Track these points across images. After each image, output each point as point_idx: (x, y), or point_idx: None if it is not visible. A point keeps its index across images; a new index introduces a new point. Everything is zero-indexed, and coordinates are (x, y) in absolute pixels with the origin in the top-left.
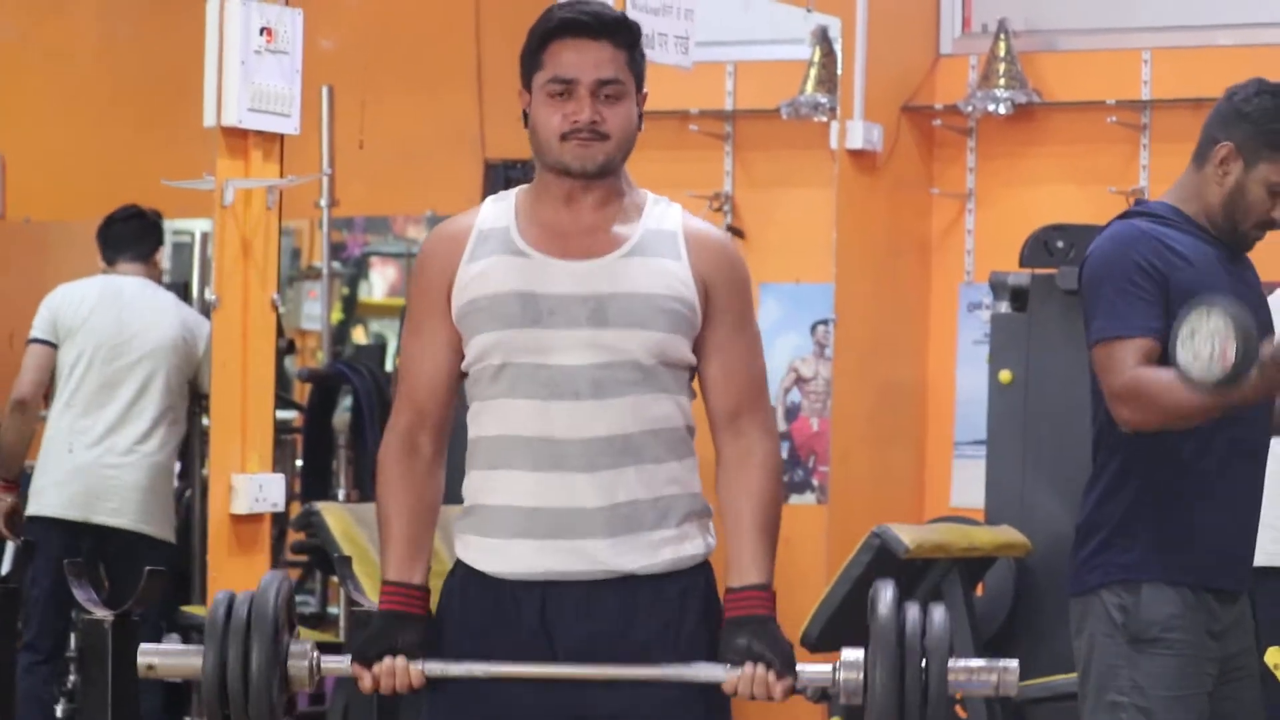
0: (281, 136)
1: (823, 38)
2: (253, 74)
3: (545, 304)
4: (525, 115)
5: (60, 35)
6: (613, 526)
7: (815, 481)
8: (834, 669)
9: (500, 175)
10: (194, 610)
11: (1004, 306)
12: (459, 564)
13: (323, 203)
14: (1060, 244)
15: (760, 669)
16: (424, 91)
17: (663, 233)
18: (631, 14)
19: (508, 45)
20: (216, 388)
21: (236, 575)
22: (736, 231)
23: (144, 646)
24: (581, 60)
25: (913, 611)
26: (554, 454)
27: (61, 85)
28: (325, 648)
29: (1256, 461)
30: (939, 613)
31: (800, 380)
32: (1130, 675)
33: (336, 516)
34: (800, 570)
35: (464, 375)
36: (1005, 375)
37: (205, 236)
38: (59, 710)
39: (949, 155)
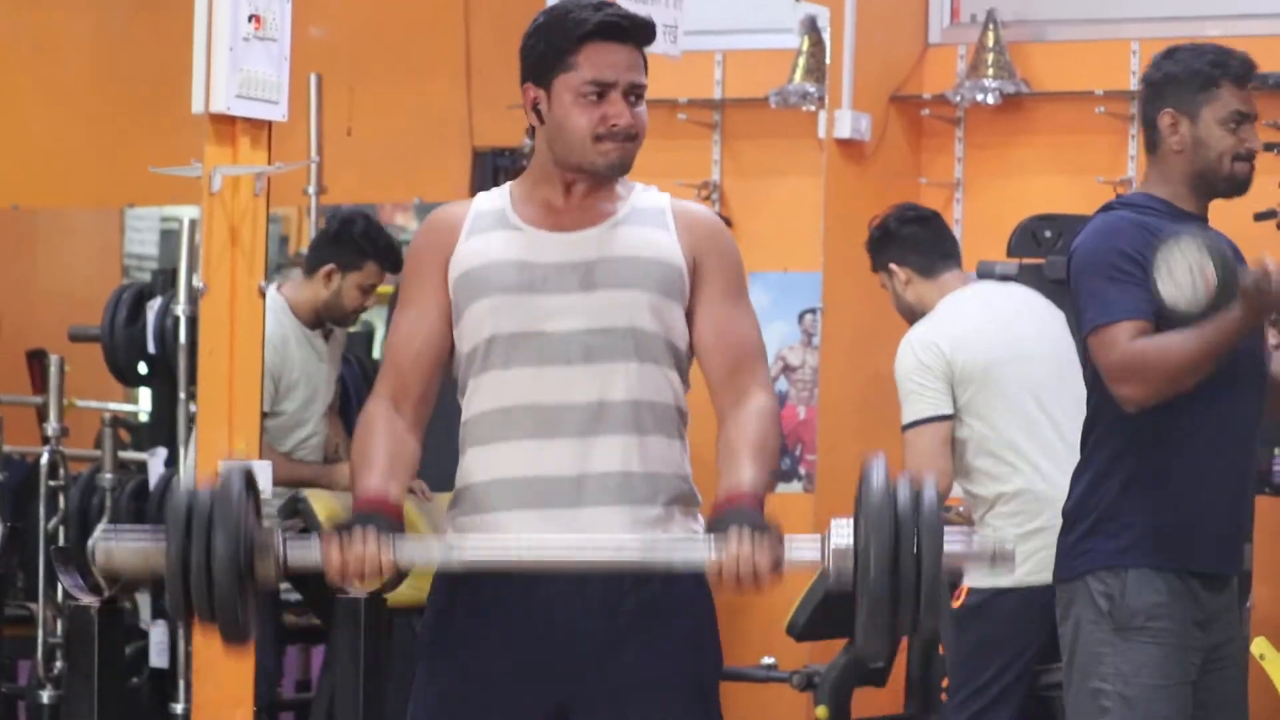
0: (270, 123)
1: (811, 27)
2: (241, 61)
3: (539, 271)
4: (537, 112)
5: (49, 23)
6: (600, 496)
7: (802, 470)
8: (822, 544)
9: (488, 163)
10: None
11: None
12: None
13: (311, 190)
14: (1048, 234)
15: (745, 547)
16: (412, 79)
17: (650, 209)
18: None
19: (496, 33)
20: (203, 374)
21: None
22: (725, 220)
23: (102, 534)
24: (618, 63)
25: (904, 488)
26: (545, 421)
27: (50, 72)
28: (310, 633)
29: (1247, 444)
30: (930, 488)
31: (787, 369)
32: (1114, 662)
33: (323, 503)
34: None
35: (453, 358)
36: None
37: (193, 224)
38: (45, 697)
39: (937, 145)
